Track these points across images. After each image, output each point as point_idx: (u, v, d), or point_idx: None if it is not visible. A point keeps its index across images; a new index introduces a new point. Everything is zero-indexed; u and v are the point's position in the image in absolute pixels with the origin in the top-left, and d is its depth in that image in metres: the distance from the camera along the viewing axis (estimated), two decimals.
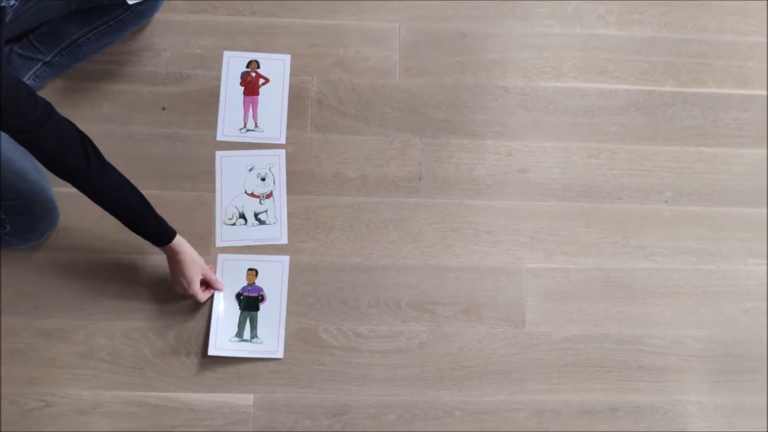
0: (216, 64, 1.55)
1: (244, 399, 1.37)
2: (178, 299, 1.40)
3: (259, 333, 1.40)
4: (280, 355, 1.39)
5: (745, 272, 1.51)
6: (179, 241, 1.29)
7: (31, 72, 1.42)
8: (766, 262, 1.52)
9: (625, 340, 1.46)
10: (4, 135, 1.28)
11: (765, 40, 1.67)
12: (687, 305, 1.49)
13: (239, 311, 1.41)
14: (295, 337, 1.41)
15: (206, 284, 1.38)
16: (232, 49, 1.57)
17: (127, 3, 1.41)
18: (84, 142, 1.15)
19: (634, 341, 1.46)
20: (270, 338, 1.40)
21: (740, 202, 1.56)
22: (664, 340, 1.46)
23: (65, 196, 1.43)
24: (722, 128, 1.60)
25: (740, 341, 1.48)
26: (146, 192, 1.44)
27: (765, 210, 1.55)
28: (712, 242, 1.53)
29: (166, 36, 1.56)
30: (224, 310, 1.40)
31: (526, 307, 1.46)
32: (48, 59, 1.42)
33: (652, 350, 1.45)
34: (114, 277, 1.41)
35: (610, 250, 1.51)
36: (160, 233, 1.27)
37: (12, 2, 1.05)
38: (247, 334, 1.40)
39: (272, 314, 1.41)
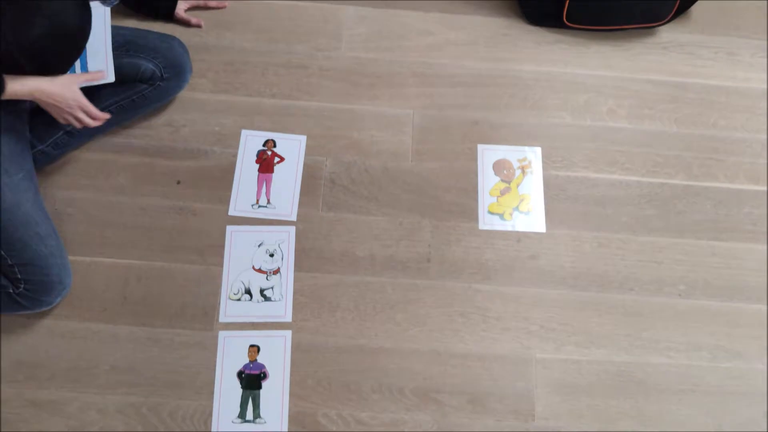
0: (233, 141, 1.59)
1: None
2: (175, 376, 1.36)
3: (262, 413, 1.35)
4: None
5: (764, 372, 1.45)
6: (16, 89, 1.17)
7: (52, 139, 1.45)
8: None
9: None
10: (27, 198, 1.30)
11: None
12: (703, 404, 1.42)
13: (241, 390, 1.36)
14: (293, 420, 1.35)
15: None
16: (250, 128, 1.61)
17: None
18: None
19: None
20: (273, 418, 1.35)
21: (755, 298, 1.52)
22: None
23: (73, 264, 1.43)
24: (735, 223, 1.59)
25: None
26: (153, 263, 1.47)
27: None
28: (728, 339, 1.48)
29: (187, 113, 1.61)
30: (225, 389, 1.36)
31: (536, 400, 1.40)
32: (69, 128, 1.45)
33: None
34: (111, 350, 1.38)
35: (622, 342, 1.46)
36: None
37: None
38: (249, 414, 1.35)
39: (275, 392, 1.37)
